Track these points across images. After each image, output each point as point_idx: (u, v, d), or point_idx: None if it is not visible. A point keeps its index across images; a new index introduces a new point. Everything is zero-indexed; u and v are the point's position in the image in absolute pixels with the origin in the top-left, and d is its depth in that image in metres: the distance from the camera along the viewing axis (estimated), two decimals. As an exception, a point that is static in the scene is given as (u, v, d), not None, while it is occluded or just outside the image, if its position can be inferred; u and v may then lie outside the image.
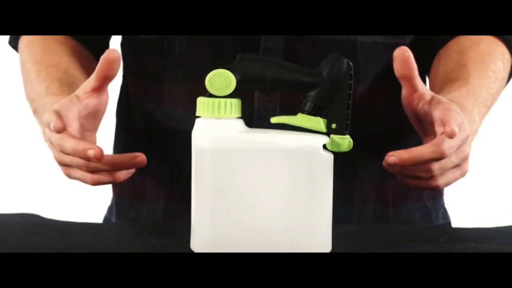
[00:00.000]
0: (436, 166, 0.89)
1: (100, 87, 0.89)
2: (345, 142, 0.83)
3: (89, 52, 1.10)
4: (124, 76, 1.14)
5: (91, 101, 0.90)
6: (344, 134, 0.83)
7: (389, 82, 1.02)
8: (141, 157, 0.88)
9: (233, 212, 0.82)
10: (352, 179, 0.96)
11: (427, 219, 1.13)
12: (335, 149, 0.83)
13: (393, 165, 0.85)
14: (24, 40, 1.10)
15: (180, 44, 1.04)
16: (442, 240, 0.92)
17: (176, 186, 1.05)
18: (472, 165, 0.93)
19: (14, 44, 1.13)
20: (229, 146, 0.81)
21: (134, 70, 1.10)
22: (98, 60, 0.96)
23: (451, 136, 0.85)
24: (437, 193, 1.15)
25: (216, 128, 0.81)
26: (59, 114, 0.87)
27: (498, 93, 1.00)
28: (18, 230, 0.94)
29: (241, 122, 0.82)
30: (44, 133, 0.94)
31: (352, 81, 0.83)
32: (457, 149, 0.88)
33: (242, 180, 0.82)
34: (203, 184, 0.82)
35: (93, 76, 0.90)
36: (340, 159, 0.85)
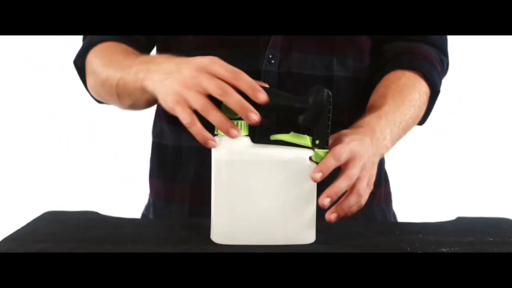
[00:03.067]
0: (361, 190, 0.93)
1: None
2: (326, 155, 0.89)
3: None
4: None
5: None
6: (325, 148, 0.90)
7: (358, 109, 1.14)
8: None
9: (242, 210, 0.89)
10: (329, 184, 0.93)
11: (384, 218, 1.20)
12: (318, 160, 0.89)
13: (329, 203, 0.89)
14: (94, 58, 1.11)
15: None
16: (397, 232, 0.99)
17: (199, 191, 1.07)
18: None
19: (79, 63, 1.14)
20: (240, 158, 0.88)
21: None
22: None
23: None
24: (389, 199, 1.24)
25: (230, 144, 0.89)
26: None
27: (412, 118, 1.07)
28: (81, 225, 1.00)
29: (248, 139, 0.90)
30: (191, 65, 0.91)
31: (331, 107, 0.89)
32: (365, 170, 0.93)
33: (249, 184, 0.88)
34: (220, 188, 0.89)
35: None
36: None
